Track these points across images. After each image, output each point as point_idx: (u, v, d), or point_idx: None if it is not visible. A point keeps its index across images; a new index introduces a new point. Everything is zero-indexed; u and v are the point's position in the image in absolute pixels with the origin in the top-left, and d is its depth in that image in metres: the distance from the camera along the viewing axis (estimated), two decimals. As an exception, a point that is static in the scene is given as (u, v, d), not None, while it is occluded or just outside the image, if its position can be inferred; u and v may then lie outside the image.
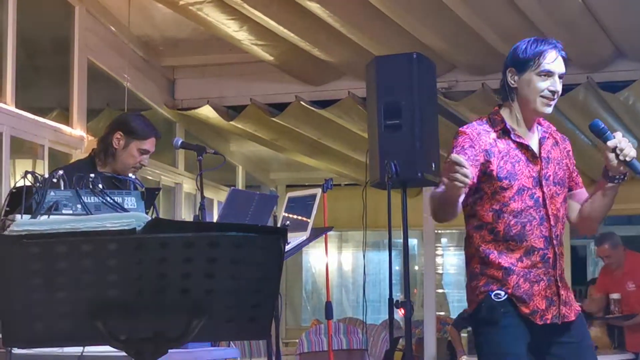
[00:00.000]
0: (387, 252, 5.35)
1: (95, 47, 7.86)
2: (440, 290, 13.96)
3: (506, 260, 3.54)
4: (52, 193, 3.07)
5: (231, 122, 9.16)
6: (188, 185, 9.73)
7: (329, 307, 5.85)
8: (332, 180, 5.57)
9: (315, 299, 14.60)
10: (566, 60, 3.66)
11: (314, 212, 4.78)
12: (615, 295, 7.85)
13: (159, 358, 2.37)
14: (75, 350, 3.05)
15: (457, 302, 14.05)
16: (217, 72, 9.07)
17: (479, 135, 3.57)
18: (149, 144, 4.54)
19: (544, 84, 3.55)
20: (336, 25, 7.14)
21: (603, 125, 3.51)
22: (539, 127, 3.69)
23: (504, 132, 3.60)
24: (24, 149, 7.22)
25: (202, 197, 4.87)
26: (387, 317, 5.76)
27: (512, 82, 3.61)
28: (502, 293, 3.53)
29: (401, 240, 5.40)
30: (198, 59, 8.92)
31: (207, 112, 9.04)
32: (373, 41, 7.40)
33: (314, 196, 4.86)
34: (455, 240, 15.03)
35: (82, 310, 2.23)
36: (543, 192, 3.57)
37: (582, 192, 3.75)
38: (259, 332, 2.43)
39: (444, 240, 14.88)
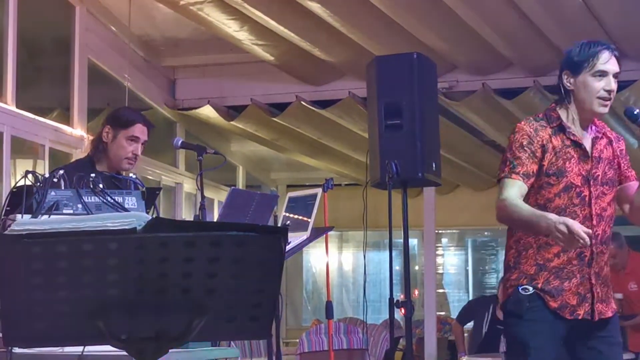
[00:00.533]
0: (387, 252, 5.35)
1: (95, 47, 7.86)
2: (440, 290, 13.96)
3: (543, 256, 3.61)
4: (53, 193, 3.08)
5: (232, 122, 9.16)
6: (188, 185, 9.73)
7: (329, 306, 5.85)
8: (332, 180, 5.58)
9: (315, 298, 14.60)
10: (619, 59, 3.71)
11: (315, 212, 4.77)
12: (617, 295, 7.85)
13: (159, 357, 2.37)
14: (76, 349, 3.05)
15: (458, 302, 14.05)
16: (217, 72, 9.07)
17: (536, 131, 3.65)
18: (137, 131, 4.45)
19: (599, 85, 3.63)
20: (337, 25, 7.14)
21: (637, 111, 3.62)
22: (593, 127, 3.75)
23: (560, 129, 3.67)
24: (25, 149, 7.23)
25: (203, 197, 4.87)
26: (387, 316, 5.76)
27: (568, 84, 3.69)
28: (530, 288, 3.60)
29: (401, 240, 5.40)
30: (198, 58, 8.92)
31: (207, 112, 9.04)
32: (373, 41, 7.40)
33: (314, 196, 4.86)
34: (455, 240, 15.03)
35: (82, 309, 2.23)
36: (590, 191, 3.63)
37: (633, 185, 3.80)
38: (260, 331, 2.42)
39: (444, 240, 14.89)
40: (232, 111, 9.19)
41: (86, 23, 7.69)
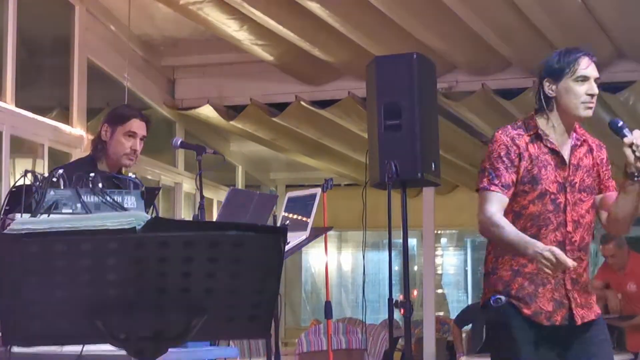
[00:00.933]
0: (386, 252, 5.34)
1: (95, 46, 7.86)
2: (439, 291, 13.97)
3: (518, 261, 3.64)
4: (52, 192, 3.08)
5: (231, 122, 9.16)
6: (187, 185, 9.73)
7: (328, 306, 5.84)
8: (332, 180, 5.57)
9: (314, 298, 14.60)
10: (598, 66, 3.77)
11: (314, 212, 4.77)
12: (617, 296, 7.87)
13: (158, 357, 2.37)
14: (75, 349, 3.05)
15: (457, 302, 14.06)
16: (217, 72, 9.07)
17: (513, 140, 3.70)
18: (134, 126, 4.42)
19: (582, 89, 3.68)
20: (336, 26, 7.14)
21: (621, 124, 3.60)
22: (574, 135, 3.79)
23: (537, 137, 3.71)
24: (24, 148, 7.23)
25: (202, 196, 4.87)
26: (386, 317, 5.76)
27: (550, 91, 3.73)
28: (503, 298, 3.64)
29: (401, 241, 5.40)
30: (198, 58, 8.92)
31: (207, 111, 9.04)
32: (373, 41, 7.40)
33: (313, 196, 4.86)
34: (454, 240, 15.04)
35: (81, 309, 2.23)
36: (566, 198, 3.66)
37: (612, 195, 3.80)
38: (259, 331, 2.43)
39: (443, 240, 14.89)
40: (231, 111, 9.18)
41: (86, 22, 7.69)
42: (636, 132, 3.55)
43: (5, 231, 2.20)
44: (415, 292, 13.26)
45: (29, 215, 3.00)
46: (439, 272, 14.49)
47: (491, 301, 3.64)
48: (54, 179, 3.12)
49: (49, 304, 2.22)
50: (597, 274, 8.41)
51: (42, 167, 6.93)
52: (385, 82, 5.49)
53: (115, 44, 8.15)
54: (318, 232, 4.96)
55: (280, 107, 8.90)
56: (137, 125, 4.43)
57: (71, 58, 7.59)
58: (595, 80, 3.71)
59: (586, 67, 3.70)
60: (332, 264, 14.21)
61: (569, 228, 3.65)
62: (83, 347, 3.02)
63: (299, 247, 4.73)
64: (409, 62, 5.53)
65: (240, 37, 7.67)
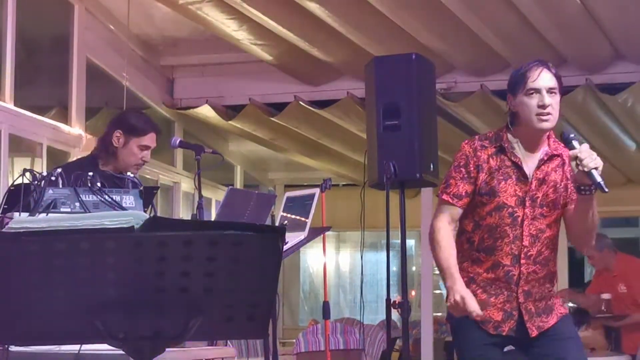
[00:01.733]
0: (384, 253, 5.34)
1: (94, 45, 7.86)
2: (437, 291, 13.96)
3: (475, 269, 3.75)
4: (50, 191, 3.08)
5: (230, 122, 9.15)
6: (186, 185, 9.72)
7: (326, 307, 5.85)
8: (330, 180, 5.58)
9: (312, 298, 14.59)
10: (557, 75, 3.74)
11: (312, 212, 4.77)
12: (605, 295, 7.88)
13: (156, 356, 2.37)
14: (73, 348, 3.05)
15: (455, 303, 14.00)
16: (216, 72, 9.06)
17: (475, 151, 3.76)
18: (149, 140, 4.53)
19: (533, 102, 3.67)
20: (335, 26, 7.14)
21: (571, 136, 3.57)
22: (545, 148, 3.78)
23: (501, 150, 3.75)
24: (23, 147, 7.22)
25: (200, 196, 4.87)
26: (384, 317, 5.76)
27: (512, 107, 3.76)
28: None
29: (399, 241, 5.40)
30: (197, 58, 8.92)
31: (205, 111, 9.04)
32: (372, 41, 7.40)
33: (312, 196, 4.86)
34: (453, 241, 15.00)
35: (80, 308, 2.23)
36: (524, 212, 3.69)
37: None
38: (257, 331, 2.43)
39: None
40: (230, 111, 9.18)
41: (85, 22, 7.69)
42: (583, 145, 3.53)
43: (3, 230, 2.20)
44: (413, 293, 13.25)
45: (28, 214, 3.00)
46: (437, 272, 14.48)
47: (447, 304, 3.75)
48: (53, 178, 3.13)
49: (47, 303, 2.22)
50: (591, 284, 8.44)
51: (41, 166, 6.93)
52: (384, 83, 5.50)
53: (114, 43, 8.14)
54: (316, 232, 4.96)
55: (279, 107, 8.89)
56: (152, 139, 4.55)
57: (70, 57, 7.58)
58: (551, 89, 3.68)
59: (535, 79, 3.68)
60: (330, 264, 14.21)
61: (525, 242, 3.68)
62: (81, 347, 3.02)
63: (298, 247, 4.73)
64: (408, 63, 5.53)
65: (240, 37, 7.66)
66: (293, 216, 4.86)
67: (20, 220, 2.24)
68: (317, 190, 4.92)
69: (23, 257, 2.16)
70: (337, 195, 9.13)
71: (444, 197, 3.78)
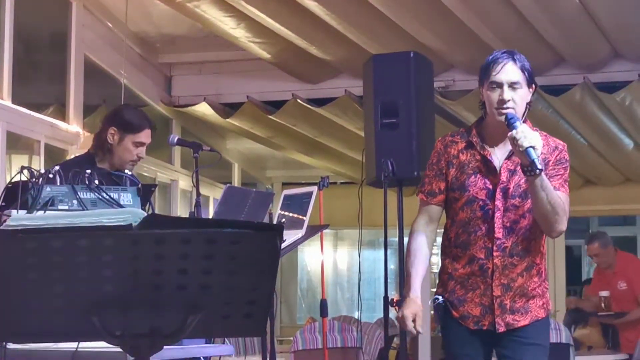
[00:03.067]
0: (382, 251, 5.35)
1: (92, 43, 7.85)
2: (434, 289, 13.96)
3: (453, 266, 3.76)
4: (48, 188, 3.08)
5: (228, 120, 9.15)
6: (184, 182, 9.72)
7: (323, 305, 5.84)
8: (328, 178, 5.57)
9: (310, 296, 14.59)
10: (524, 67, 3.69)
11: (310, 210, 4.77)
12: (604, 293, 7.89)
13: (154, 354, 2.37)
14: (70, 345, 3.05)
15: (452, 301, 14.01)
16: (214, 69, 9.06)
17: (446, 148, 3.78)
18: (144, 136, 4.50)
19: (493, 96, 3.65)
20: (333, 24, 7.14)
21: (511, 118, 3.56)
22: None
23: (470, 144, 3.74)
24: (20, 145, 7.22)
25: (198, 194, 4.87)
26: (381, 315, 5.76)
27: (481, 97, 3.74)
28: (441, 298, 3.79)
29: (396, 239, 5.41)
30: (195, 55, 8.91)
31: (203, 109, 9.03)
32: (370, 39, 7.39)
33: (310, 194, 4.86)
34: (450, 239, 14.99)
35: (77, 305, 2.23)
36: (494, 205, 3.67)
37: None
38: (254, 329, 2.43)
39: (438, 239, 14.85)
40: (228, 108, 9.17)
41: (83, 19, 7.68)
42: (521, 126, 3.51)
43: (1, 227, 2.20)
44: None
45: (25, 211, 3.00)
46: (434, 270, 14.47)
47: (432, 300, 3.81)
48: (50, 176, 3.12)
49: (44, 301, 2.22)
50: (592, 284, 8.43)
51: (39, 164, 6.92)
52: (383, 81, 5.50)
53: (112, 40, 8.14)
54: (314, 230, 4.96)
55: (277, 105, 8.89)
56: (147, 136, 4.53)
57: (68, 55, 7.58)
58: (513, 84, 3.63)
59: (497, 72, 3.64)
60: (327, 262, 14.20)
61: (498, 234, 3.66)
62: (78, 344, 3.02)
63: (295, 245, 4.73)
64: (406, 61, 5.54)
65: (238, 35, 7.66)
66: (291, 214, 4.86)
67: (18, 218, 2.24)
68: (314, 188, 4.92)
69: (20, 255, 2.16)
70: (335, 193, 9.14)
71: (420, 196, 3.83)
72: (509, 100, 3.60)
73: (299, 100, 8.60)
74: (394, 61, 5.58)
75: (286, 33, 7.46)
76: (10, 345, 2.97)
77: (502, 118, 3.61)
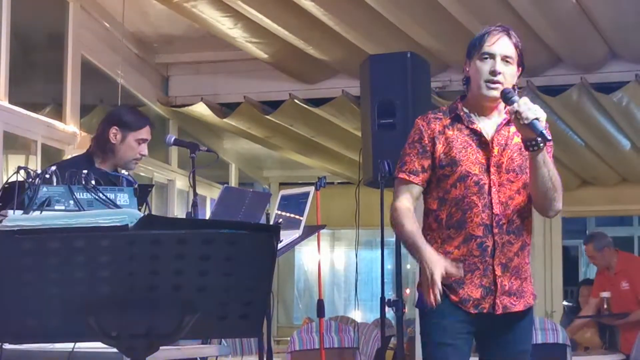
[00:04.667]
0: (379, 251, 5.35)
1: (89, 43, 7.85)
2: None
3: (445, 249, 3.52)
4: (45, 189, 3.07)
5: (225, 120, 9.15)
6: (181, 182, 9.72)
7: (320, 305, 5.84)
8: (325, 178, 5.57)
9: (307, 297, 14.59)
10: (517, 45, 3.59)
11: (307, 210, 4.77)
12: (605, 294, 7.87)
13: (150, 355, 2.36)
14: (66, 346, 3.04)
15: (449, 302, 13.99)
16: (211, 70, 9.06)
17: (429, 124, 3.60)
18: (145, 133, 4.54)
19: (485, 67, 3.52)
20: (331, 24, 7.14)
21: (508, 93, 3.45)
22: (502, 113, 3.61)
23: (456, 119, 3.58)
24: (17, 145, 7.21)
25: (195, 194, 4.86)
26: (378, 315, 5.76)
27: (466, 72, 3.62)
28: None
29: (393, 239, 5.40)
30: (192, 56, 8.91)
31: (200, 109, 9.03)
32: (367, 40, 7.40)
33: (307, 194, 4.86)
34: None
35: (73, 306, 2.22)
36: (490, 179, 3.51)
37: None
38: (251, 329, 2.42)
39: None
40: (225, 108, 9.18)
41: (80, 19, 7.68)
42: (522, 99, 3.38)
43: (-3, 228, 2.19)
44: (407, 291, 13.26)
45: (22, 212, 2.99)
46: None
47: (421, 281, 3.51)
48: (47, 176, 3.12)
49: (40, 301, 2.22)
50: (594, 287, 8.40)
51: (35, 164, 6.92)
52: (380, 81, 5.50)
53: (109, 40, 8.13)
54: (311, 230, 4.96)
55: (274, 105, 8.89)
56: (148, 132, 4.58)
57: (65, 54, 7.57)
58: (506, 57, 3.52)
59: (492, 43, 3.53)
60: (324, 262, 14.21)
61: (496, 210, 3.49)
62: (74, 345, 3.01)
63: (292, 245, 4.73)
64: (403, 61, 5.54)
65: (235, 35, 7.66)
66: (288, 214, 4.86)
67: (14, 218, 2.24)
68: (311, 189, 4.92)
69: (17, 255, 2.16)
70: (332, 193, 9.16)
71: (401, 175, 3.60)
72: (500, 73, 3.48)
73: (296, 101, 8.60)
74: (391, 61, 5.58)
75: (283, 33, 7.46)
76: (7, 346, 2.97)
77: (491, 92, 3.49)
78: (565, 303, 11.20)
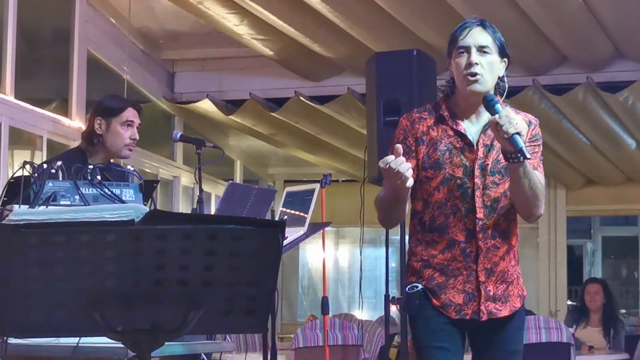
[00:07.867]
0: (383, 249, 5.36)
1: (95, 39, 7.86)
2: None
3: (429, 252, 3.46)
4: (50, 184, 3.08)
5: (230, 117, 9.16)
6: (186, 179, 9.72)
7: (325, 302, 5.84)
8: (330, 175, 5.56)
9: (311, 294, 14.59)
10: (494, 34, 3.46)
11: (312, 207, 4.77)
12: None
13: (155, 350, 2.37)
14: (71, 341, 3.05)
15: (453, 300, 13.98)
16: (216, 66, 9.07)
17: (413, 124, 3.51)
18: (130, 115, 4.37)
19: (462, 61, 3.44)
20: (336, 21, 7.14)
21: (491, 100, 3.34)
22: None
23: (440, 119, 3.50)
24: (23, 140, 7.23)
25: (201, 190, 4.86)
26: (382, 313, 5.76)
27: (450, 73, 3.55)
28: (419, 285, 3.46)
29: (398, 237, 5.40)
30: (198, 52, 8.92)
31: (206, 106, 9.04)
32: (373, 37, 7.40)
33: (312, 191, 4.86)
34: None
35: (79, 300, 2.23)
36: (474, 182, 3.42)
37: None
38: (256, 325, 2.42)
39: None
40: (230, 105, 9.18)
41: (86, 15, 7.69)
42: (503, 110, 3.27)
43: (3, 222, 2.20)
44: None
45: (28, 206, 3.00)
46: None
47: (407, 289, 3.47)
48: (53, 171, 3.12)
49: (46, 296, 2.22)
50: None
51: (41, 159, 6.93)
52: (385, 79, 5.50)
53: (115, 36, 8.14)
54: (316, 227, 4.96)
55: (279, 102, 8.89)
56: (133, 114, 4.39)
57: (71, 50, 7.58)
58: (481, 47, 3.41)
59: (465, 36, 3.44)
60: (329, 259, 14.20)
61: (479, 214, 3.40)
62: (79, 339, 3.02)
63: (297, 242, 4.73)
64: (409, 59, 5.53)
65: (241, 32, 7.66)
66: (293, 211, 4.86)
67: (20, 213, 2.24)
68: (317, 186, 4.92)
69: (22, 250, 2.16)
70: (336, 190, 9.14)
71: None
72: (476, 64, 3.38)
73: (301, 98, 8.60)
74: (397, 59, 5.58)
75: (289, 30, 7.46)
76: (12, 340, 2.97)
77: (474, 87, 3.38)
78: (569, 302, 11.19)
